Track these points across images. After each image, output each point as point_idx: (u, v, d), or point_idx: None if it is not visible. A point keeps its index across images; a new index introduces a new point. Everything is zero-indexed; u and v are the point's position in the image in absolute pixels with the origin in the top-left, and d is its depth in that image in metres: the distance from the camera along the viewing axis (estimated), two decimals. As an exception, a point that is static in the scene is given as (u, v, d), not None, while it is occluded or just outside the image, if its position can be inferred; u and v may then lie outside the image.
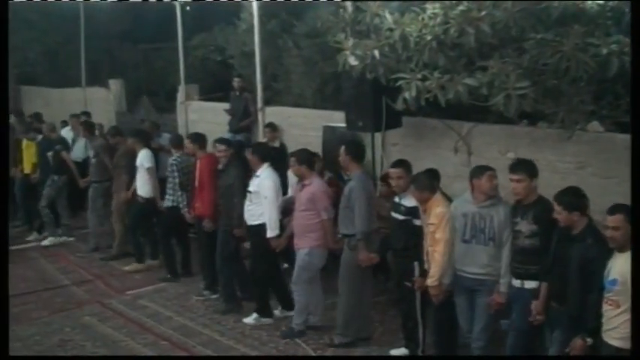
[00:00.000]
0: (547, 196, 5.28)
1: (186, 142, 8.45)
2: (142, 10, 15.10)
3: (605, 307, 4.47)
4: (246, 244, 7.59)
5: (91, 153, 10.09)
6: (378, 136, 8.15)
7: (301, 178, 6.87)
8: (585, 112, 6.15)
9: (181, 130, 11.72)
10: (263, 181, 7.02)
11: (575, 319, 4.73)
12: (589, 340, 4.59)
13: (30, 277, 9.00)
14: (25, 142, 10.81)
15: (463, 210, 5.58)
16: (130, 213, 9.29)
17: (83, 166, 10.57)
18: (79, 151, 11.00)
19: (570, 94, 6.00)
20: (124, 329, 7.26)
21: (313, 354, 6.55)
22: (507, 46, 6.03)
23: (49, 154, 10.26)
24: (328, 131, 9.02)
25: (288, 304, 7.28)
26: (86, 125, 10.62)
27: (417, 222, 5.96)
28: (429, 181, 5.84)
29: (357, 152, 6.62)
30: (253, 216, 7.11)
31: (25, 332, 7.23)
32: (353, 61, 6.60)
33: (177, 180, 8.35)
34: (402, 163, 6.22)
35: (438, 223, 5.65)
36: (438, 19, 6.15)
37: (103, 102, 14.73)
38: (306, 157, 6.84)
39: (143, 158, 8.85)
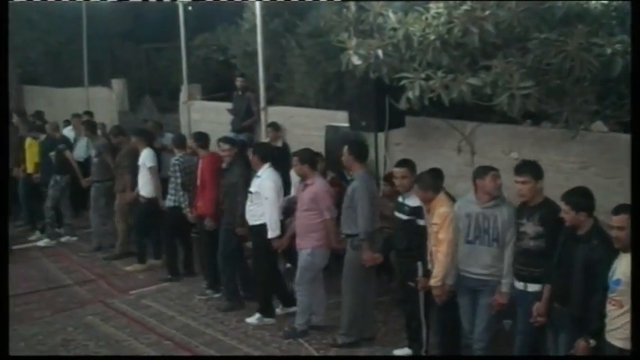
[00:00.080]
0: (550, 196, 5.27)
1: (190, 142, 8.44)
2: (144, 9, 15.11)
3: (609, 308, 4.46)
4: (249, 244, 7.58)
5: (93, 152, 10.09)
6: (381, 135, 8.15)
7: (303, 178, 6.87)
8: (589, 112, 6.15)
9: (184, 130, 11.74)
10: (264, 181, 7.02)
11: (579, 321, 4.72)
12: (592, 342, 4.58)
13: (32, 277, 9.00)
14: (28, 141, 10.80)
15: (467, 210, 5.57)
16: (133, 213, 9.29)
17: (85, 165, 10.57)
18: (80, 150, 10.99)
19: (574, 94, 5.99)
20: (126, 329, 7.25)
21: (316, 354, 6.54)
22: (511, 46, 6.03)
23: (52, 153, 10.25)
24: (331, 131, 9.01)
25: (288, 301, 7.30)
26: (88, 125, 10.63)
27: (421, 222, 5.95)
28: (433, 181, 5.83)
29: (360, 152, 6.61)
30: (254, 216, 7.11)
31: (27, 332, 7.22)
32: (356, 60, 6.59)
33: (179, 180, 8.34)
34: (406, 163, 6.22)
35: (441, 224, 5.64)
36: (442, 19, 6.14)
37: (106, 102, 14.74)
38: (308, 157, 6.83)
39: (145, 158, 8.85)
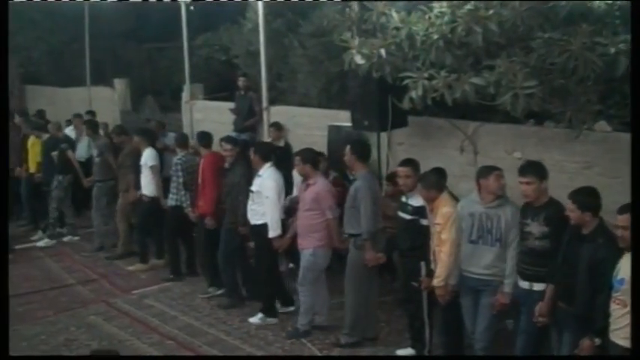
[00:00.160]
0: (554, 196, 5.26)
1: (192, 142, 8.44)
2: (146, 9, 15.08)
3: (613, 307, 4.45)
4: (251, 244, 7.58)
5: (94, 152, 10.09)
6: (383, 135, 8.14)
7: (305, 178, 6.86)
8: (592, 111, 6.14)
9: (186, 130, 11.74)
10: (265, 181, 7.02)
11: (584, 320, 4.71)
12: (597, 341, 4.57)
13: (35, 277, 9.00)
14: (31, 140, 10.78)
15: (470, 210, 5.56)
16: (136, 212, 9.29)
17: (86, 165, 10.56)
18: (82, 150, 10.99)
19: (578, 94, 5.98)
20: (129, 329, 7.25)
21: (319, 354, 6.54)
22: (515, 45, 6.00)
23: (54, 153, 10.25)
24: (333, 130, 9.00)
25: (287, 300, 7.32)
26: (90, 124, 10.62)
27: (424, 222, 5.94)
28: (437, 180, 5.82)
29: (362, 152, 6.60)
30: (256, 215, 7.11)
31: (30, 331, 7.22)
32: (359, 60, 6.57)
33: (181, 179, 8.34)
34: (410, 162, 6.20)
35: (444, 224, 5.63)
36: (445, 18, 6.13)
37: (108, 101, 14.74)
38: (310, 157, 6.83)
39: (147, 157, 8.85)
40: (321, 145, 8.57)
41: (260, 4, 9.87)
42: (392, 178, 7.35)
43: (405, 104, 6.45)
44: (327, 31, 8.70)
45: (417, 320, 6.17)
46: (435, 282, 5.70)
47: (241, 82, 10.93)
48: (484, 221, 5.47)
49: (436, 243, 5.74)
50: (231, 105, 11.08)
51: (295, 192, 7.84)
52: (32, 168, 10.77)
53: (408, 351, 6.36)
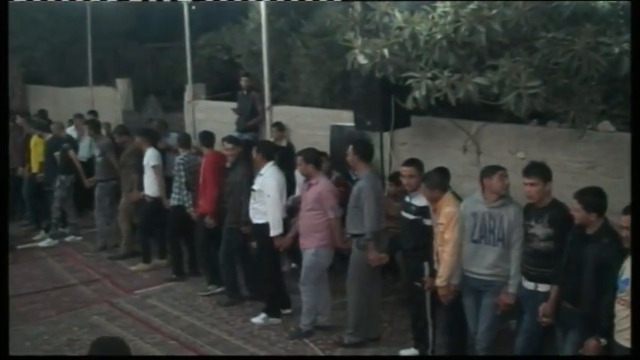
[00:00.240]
0: (557, 196, 5.25)
1: (194, 141, 8.44)
2: (148, 9, 15.11)
3: (618, 307, 4.43)
4: (253, 244, 7.57)
5: (96, 152, 10.09)
6: (386, 135, 8.13)
7: (308, 178, 6.85)
8: (596, 111, 6.13)
9: (188, 130, 11.74)
10: (266, 179, 7.02)
11: (590, 320, 4.69)
12: (603, 341, 4.55)
13: (38, 276, 8.99)
14: (34, 140, 10.78)
15: (473, 210, 5.55)
16: (139, 212, 9.29)
17: (88, 165, 10.56)
18: (83, 150, 10.98)
19: (581, 94, 5.97)
20: (132, 329, 7.25)
21: (322, 354, 6.53)
22: (518, 45, 6.00)
23: (56, 153, 10.24)
24: (336, 130, 8.99)
25: (284, 302, 7.34)
26: (92, 124, 10.61)
27: (428, 222, 5.93)
28: (440, 180, 5.81)
29: (365, 151, 6.59)
30: (258, 214, 7.11)
31: (33, 331, 7.22)
32: (362, 59, 6.57)
33: (183, 179, 8.35)
34: (414, 162, 6.20)
35: (447, 223, 5.62)
36: (449, 18, 6.12)
37: (110, 101, 14.74)
38: (312, 156, 6.82)
39: (150, 157, 8.85)
40: (323, 145, 8.56)
41: (262, 4, 9.87)
42: (394, 178, 7.35)
43: (409, 104, 6.44)
44: (329, 30, 8.70)
45: (421, 320, 6.17)
46: (438, 282, 5.69)
47: (244, 81, 10.93)
48: (487, 221, 5.46)
49: (439, 243, 5.73)
50: (233, 105, 11.07)
51: (298, 192, 7.83)
52: (35, 168, 10.76)
53: (411, 351, 6.35)
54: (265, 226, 6.99)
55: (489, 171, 5.52)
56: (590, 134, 6.48)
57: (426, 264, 5.92)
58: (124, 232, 9.60)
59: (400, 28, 6.47)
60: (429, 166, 6.23)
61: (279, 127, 9.79)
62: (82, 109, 12.74)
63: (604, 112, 6.37)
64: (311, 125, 9.68)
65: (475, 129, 7.62)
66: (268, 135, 10.07)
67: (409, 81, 6.23)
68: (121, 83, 14.88)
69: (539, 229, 5.15)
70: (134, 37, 16.57)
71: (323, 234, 6.63)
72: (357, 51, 6.59)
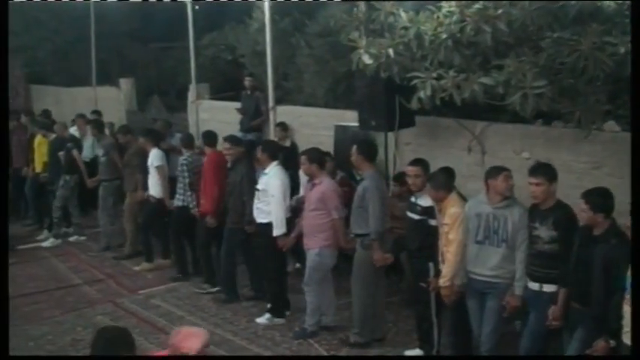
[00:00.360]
0: (562, 196, 5.24)
1: (198, 142, 8.43)
2: (152, 9, 15.10)
3: (626, 308, 4.40)
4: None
5: (100, 152, 10.08)
6: (391, 135, 8.12)
7: (311, 178, 6.85)
8: (601, 111, 6.11)
9: (192, 130, 11.73)
10: (270, 179, 7.01)
11: (599, 321, 4.68)
12: (612, 342, 4.53)
13: (41, 276, 8.99)
14: (37, 140, 10.78)
15: (477, 210, 5.54)
16: (143, 212, 9.29)
17: (91, 165, 10.56)
18: (86, 150, 10.97)
19: (587, 94, 5.95)
20: (136, 329, 7.20)
21: (326, 354, 6.52)
22: (524, 45, 5.97)
23: (60, 153, 10.25)
24: (340, 130, 8.99)
25: (285, 303, 7.32)
26: (95, 124, 10.62)
27: (433, 222, 5.92)
28: (446, 180, 5.81)
29: (369, 151, 6.58)
30: (262, 214, 7.11)
31: (37, 332, 7.21)
32: (367, 59, 6.55)
33: (187, 180, 8.34)
34: (419, 162, 6.19)
35: (451, 224, 5.62)
36: (454, 18, 6.10)
37: (114, 101, 14.74)
38: (316, 156, 6.81)
39: (153, 157, 8.86)
40: (327, 145, 8.56)
41: (266, 4, 9.84)
42: (399, 178, 7.33)
43: (414, 104, 6.42)
44: (334, 30, 8.69)
45: (426, 321, 6.16)
46: (441, 282, 5.69)
47: (247, 81, 10.93)
48: (491, 222, 5.45)
49: (444, 243, 5.72)
50: (237, 105, 11.08)
51: (301, 192, 7.83)
52: (38, 168, 10.77)
53: (416, 352, 6.34)
54: (269, 226, 6.99)
55: (494, 172, 5.50)
56: (596, 134, 6.47)
57: (431, 264, 5.91)
58: (129, 232, 9.59)
59: (405, 28, 6.45)
60: (433, 166, 6.22)
61: (282, 127, 9.78)
62: (85, 109, 12.75)
63: (609, 112, 6.35)
64: (315, 125, 9.68)
65: (480, 129, 7.61)
66: (272, 135, 10.05)
67: (414, 81, 6.21)
68: (125, 83, 14.88)
69: (544, 232, 5.14)
70: (138, 37, 16.58)
71: (327, 234, 6.62)
72: (361, 51, 6.57)
